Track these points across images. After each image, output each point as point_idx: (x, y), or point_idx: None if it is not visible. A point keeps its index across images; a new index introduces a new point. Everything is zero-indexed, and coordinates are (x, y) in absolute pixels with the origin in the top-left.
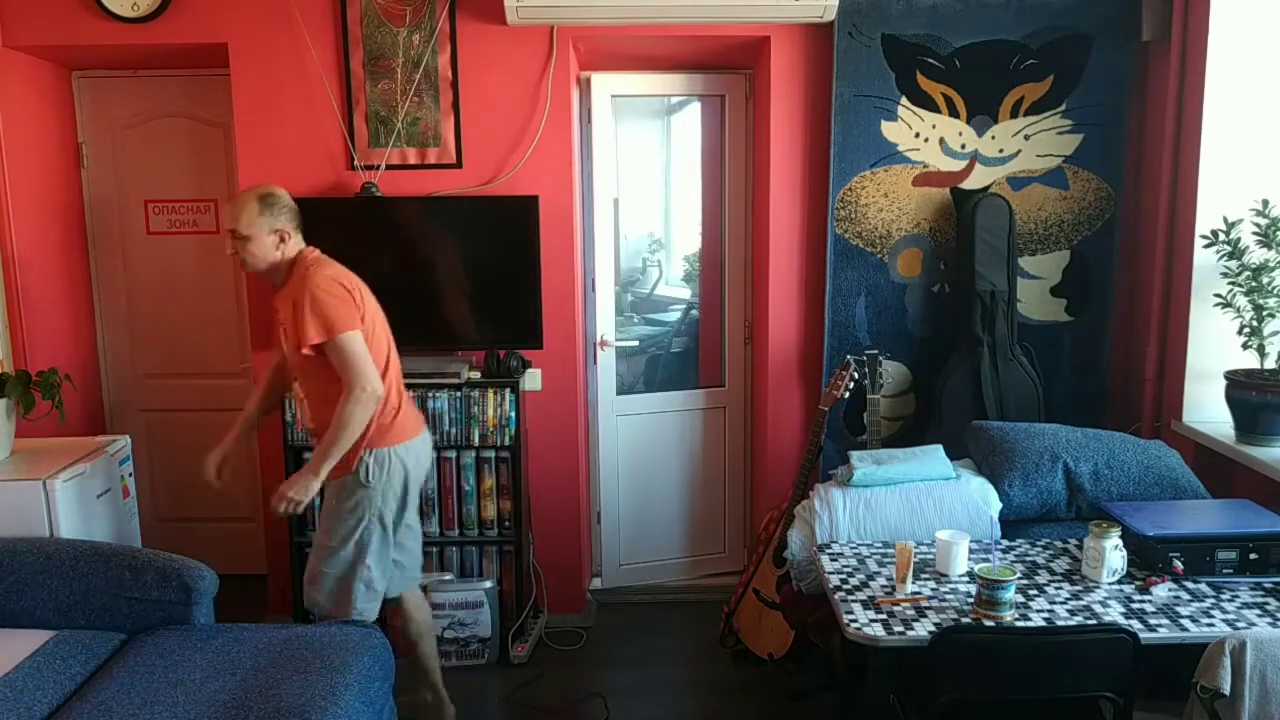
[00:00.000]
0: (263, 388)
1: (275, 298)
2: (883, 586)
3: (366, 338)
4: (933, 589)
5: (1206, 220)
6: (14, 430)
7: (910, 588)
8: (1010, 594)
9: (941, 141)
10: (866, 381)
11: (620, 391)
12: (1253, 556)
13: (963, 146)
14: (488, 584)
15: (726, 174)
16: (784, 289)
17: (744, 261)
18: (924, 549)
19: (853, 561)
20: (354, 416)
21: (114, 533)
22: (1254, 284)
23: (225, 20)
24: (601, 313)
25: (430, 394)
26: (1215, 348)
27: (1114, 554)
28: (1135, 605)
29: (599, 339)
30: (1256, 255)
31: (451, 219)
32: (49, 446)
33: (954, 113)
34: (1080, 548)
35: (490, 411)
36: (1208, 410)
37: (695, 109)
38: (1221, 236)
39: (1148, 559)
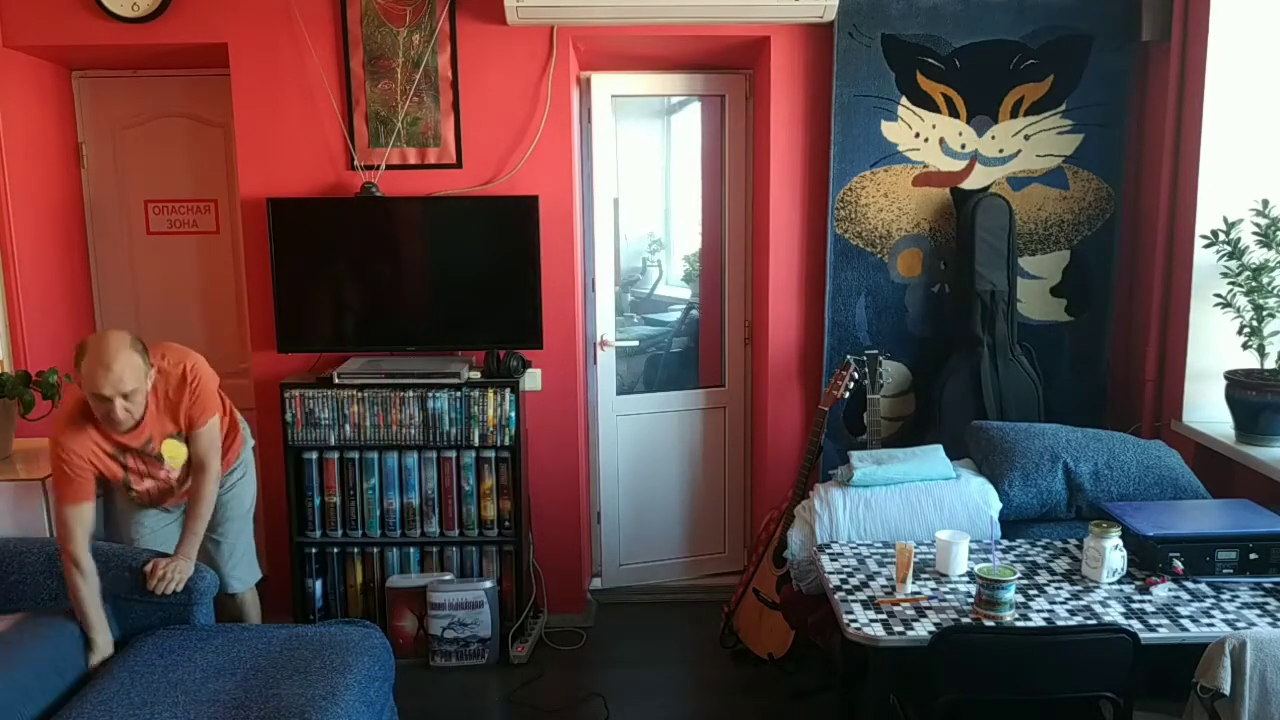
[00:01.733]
0: (92, 580)
1: (121, 438)
2: (883, 586)
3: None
4: (933, 589)
5: (1206, 220)
6: (14, 430)
7: (910, 588)
8: (1010, 594)
9: (941, 141)
10: (866, 381)
11: (620, 391)
12: (1253, 556)
13: (963, 146)
14: (488, 584)
15: (726, 174)
16: (784, 289)
17: (744, 261)
18: (924, 549)
19: (853, 561)
20: (214, 491)
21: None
22: (1254, 284)
23: (225, 20)
24: (601, 313)
25: (430, 394)
26: (1215, 348)
27: (1114, 554)
28: (1135, 605)
29: (599, 339)
30: (1256, 255)
31: (451, 219)
32: (49, 446)
33: (954, 113)
34: (1080, 548)
35: (490, 411)
36: (1208, 410)
37: (695, 109)
38: (1221, 236)
39: (1148, 559)
